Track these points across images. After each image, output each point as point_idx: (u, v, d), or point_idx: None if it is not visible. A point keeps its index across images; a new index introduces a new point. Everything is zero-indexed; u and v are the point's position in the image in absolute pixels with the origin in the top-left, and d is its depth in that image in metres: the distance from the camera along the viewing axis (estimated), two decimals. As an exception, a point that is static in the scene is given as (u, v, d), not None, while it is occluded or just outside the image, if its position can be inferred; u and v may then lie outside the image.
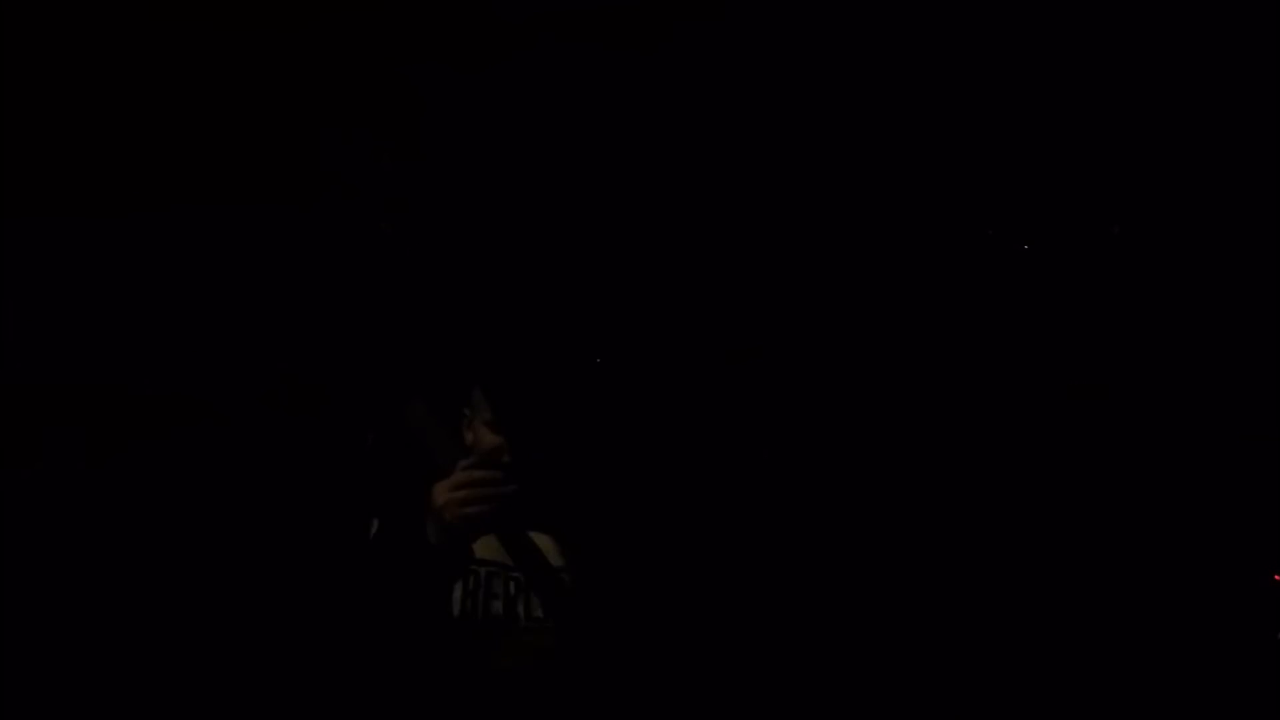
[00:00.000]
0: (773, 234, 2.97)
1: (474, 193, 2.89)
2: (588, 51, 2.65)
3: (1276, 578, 2.72)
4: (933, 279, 2.97)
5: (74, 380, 2.80)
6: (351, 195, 2.87)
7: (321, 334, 2.82)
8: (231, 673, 2.54)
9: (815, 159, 2.89)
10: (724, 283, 2.98)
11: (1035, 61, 2.72)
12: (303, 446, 2.77)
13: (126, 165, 2.79)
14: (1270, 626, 2.66)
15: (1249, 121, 2.71)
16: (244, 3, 2.62)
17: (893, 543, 2.90)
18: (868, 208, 2.93)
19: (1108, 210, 2.87)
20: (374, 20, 2.65)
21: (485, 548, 1.67)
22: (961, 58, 2.77)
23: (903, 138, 2.86)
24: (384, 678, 1.57)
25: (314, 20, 2.66)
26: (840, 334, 2.99)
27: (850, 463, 2.96)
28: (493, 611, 1.71)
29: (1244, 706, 2.61)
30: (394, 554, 1.56)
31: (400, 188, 2.89)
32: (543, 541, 1.75)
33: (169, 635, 2.61)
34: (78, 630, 2.63)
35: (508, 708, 1.63)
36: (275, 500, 2.67)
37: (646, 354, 2.98)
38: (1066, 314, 2.90)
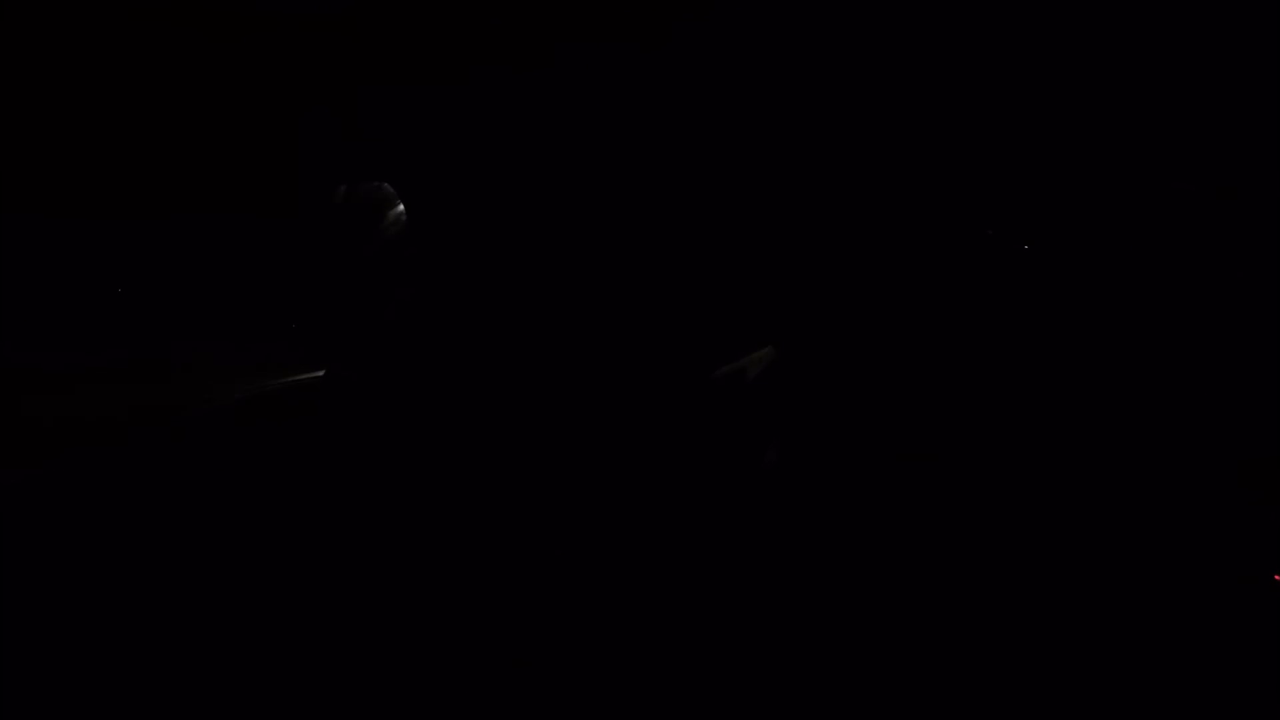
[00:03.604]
0: (772, 234, 2.98)
1: (474, 192, 2.90)
2: (587, 51, 2.66)
3: (1277, 578, 2.72)
4: (933, 279, 2.98)
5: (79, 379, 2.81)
6: (353, 195, 2.88)
7: (320, 331, 2.84)
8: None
9: (815, 159, 2.89)
10: (724, 283, 2.99)
11: (1035, 61, 2.73)
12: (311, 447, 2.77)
13: (130, 169, 2.81)
14: (1270, 626, 2.66)
15: (1249, 121, 2.71)
16: (235, 8, 2.64)
17: (894, 543, 2.90)
18: (867, 208, 2.94)
19: (1107, 210, 2.88)
20: (371, 20, 2.66)
21: None
22: (962, 58, 2.78)
23: (903, 138, 2.87)
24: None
25: (309, 20, 2.67)
26: (840, 334, 3.00)
27: (852, 463, 2.97)
28: None
29: (1244, 706, 2.61)
30: None
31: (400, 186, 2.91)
32: None
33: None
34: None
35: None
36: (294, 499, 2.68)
37: (645, 355, 2.98)
38: (1066, 313, 2.91)
